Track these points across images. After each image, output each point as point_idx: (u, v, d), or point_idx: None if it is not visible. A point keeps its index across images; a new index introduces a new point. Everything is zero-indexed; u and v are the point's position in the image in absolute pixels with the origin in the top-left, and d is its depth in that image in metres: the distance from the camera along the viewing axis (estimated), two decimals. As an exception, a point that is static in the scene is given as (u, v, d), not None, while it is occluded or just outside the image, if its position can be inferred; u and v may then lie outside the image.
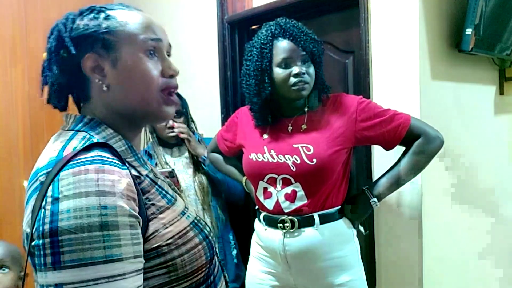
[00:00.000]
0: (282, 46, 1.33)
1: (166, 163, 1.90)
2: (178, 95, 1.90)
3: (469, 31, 1.51)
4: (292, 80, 1.32)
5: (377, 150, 1.58)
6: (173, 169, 1.80)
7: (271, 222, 1.39)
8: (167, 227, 0.73)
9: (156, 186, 0.76)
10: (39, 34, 2.43)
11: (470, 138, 1.73)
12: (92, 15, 0.75)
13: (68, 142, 0.71)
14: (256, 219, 1.50)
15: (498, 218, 1.88)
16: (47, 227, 0.62)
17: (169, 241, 0.72)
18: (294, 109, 1.41)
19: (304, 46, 1.32)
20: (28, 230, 0.65)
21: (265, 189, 1.39)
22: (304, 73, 1.32)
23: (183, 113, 1.92)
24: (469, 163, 1.72)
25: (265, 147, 1.39)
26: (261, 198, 1.41)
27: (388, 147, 1.36)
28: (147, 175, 0.76)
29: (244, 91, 1.45)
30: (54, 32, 0.75)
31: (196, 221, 0.80)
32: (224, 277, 0.88)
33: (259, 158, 1.39)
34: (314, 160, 1.30)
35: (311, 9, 1.86)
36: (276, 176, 1.36)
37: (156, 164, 1.89)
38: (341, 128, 1.33)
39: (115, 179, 0.66)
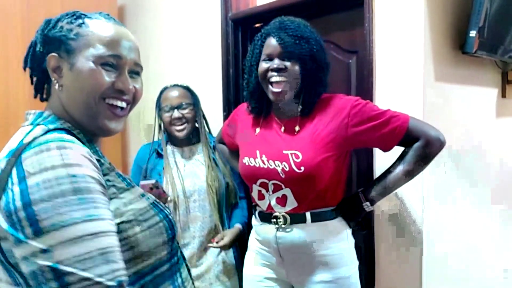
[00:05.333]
0: (269, 42, 1.35)
1: (176, 164, 1.85)
2: (186, 87, 1.89)
3: (473, 33, 1.51)
4: (269, 74, 1.33)
5: (378, 150, 1.59)
6: (156, 180, 1.68)
7: (265, 218, 1.42)
8: (127, 206, 0.76)
9: (115, 171, 0.80)
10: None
11: (472, 140, 1.73)
12: (70, 19, 0.81)
13: (27, 134, 0.74)
14: (253, 215, 1.53)
15: (499, 221, 1.89)
16: (19, 203, 0.63)
17: (130, 217, 0.75)
18: (288, 110, 1.41)
19: (286, 44, 1.30)
20: None
21: (259, 191, 1.42)
22: (282, 69, 1.31)
23: (192, 104, 1.85)
24: (470, 165, 1.72)
25: (257, 152, 1.40)
26: (256, 199, 1.45)
27: (385, 149, 1.34)
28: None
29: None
30: (40, 28, 0.83)
31: (156, 202, 0.84)
32: (186, 265, 0.91)
33: (251, 163, 1.41)
34: (302, 168, 1.30)
35: (315, 8, 1.86)
36: (267, 181, 1.38)
37: (166, 164, 1.83)
38: (331, 134, 1.31)
39: (77, 155, 0.68)
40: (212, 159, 1.85)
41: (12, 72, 2.34)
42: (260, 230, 1.46)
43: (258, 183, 1.40)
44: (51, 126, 0.76)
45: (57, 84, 0.80)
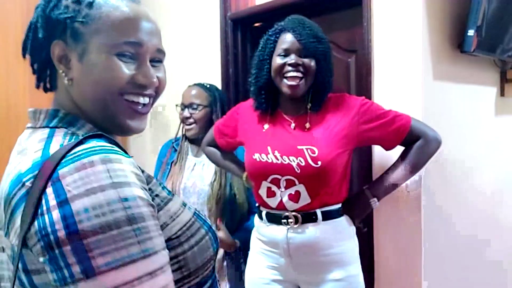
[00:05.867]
0: (284, 38, 1.36)
1: (184, 161, 1.83)
2: (206, 87, 1.84)
3: (471, 32, 1.51)
4: (286, 69, 1.34)
5: (377, 150, 1.59)
6: (157, 179, 1.68)
7: (274, 219, 1.40)
8: (174, 219, 0.67)
9: (155, 179, 0.71)
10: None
11: (470, 138, 1.74)
12: None
13: (50, 140, 0.63)
14: (257, 216, 1.50)
15: (498, 219, 1.89)
16: (62, 233, 0.53)
17: (178, 233, 0.66)
18: (296, 107, 1.42)
19: (304, 40, 1.34)
20: (16, 241, 0.57)
21: (269, 188, 1.40)
22: (299, 65, 1.33)
23: (206, 105, 1.81)
24: (469, 164, 1.73)
25: (269, 148, 1.39)
26: (264, 197, 1.42)
27: (388, 147, 1.40)
28: None
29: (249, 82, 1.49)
30: (39, 6, 0.69)
31: (197, 212, 0.76)
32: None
33: (263, 159, 1.39)
34: (319, 162, 1.31)
35: (314, 8, 1.86)
36: (280, 177, 1.37)
37: (176, 159, 1.84)
38: (344, 130, 1.35)
39: (125, 168, 0.58)
40: None
41: (12, 72, 2.35)
42: (267, 232, 1.43)
43: (269, 179, 1.38)
44: (74, 130, 0.66)
45: (66, 78, 0.67)
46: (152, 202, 0.61)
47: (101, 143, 0.61)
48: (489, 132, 1.84)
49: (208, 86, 1.88)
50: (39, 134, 0.65)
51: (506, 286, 1.96)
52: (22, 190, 0.58)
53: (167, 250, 0.61)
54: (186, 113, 1.81)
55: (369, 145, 1.47)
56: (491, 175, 1.85)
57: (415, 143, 1.35)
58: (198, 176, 1.82)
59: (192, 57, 2.40)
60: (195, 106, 1.81)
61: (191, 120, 1.81)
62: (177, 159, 1.85)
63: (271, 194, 1.40)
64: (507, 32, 1.69)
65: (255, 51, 1.47)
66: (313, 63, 1.35)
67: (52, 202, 0.54)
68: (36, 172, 0.57)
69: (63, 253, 0.53)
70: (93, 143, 0.60)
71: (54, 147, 0.60)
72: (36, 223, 0.54)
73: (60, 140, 0.62)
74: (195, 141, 1.90)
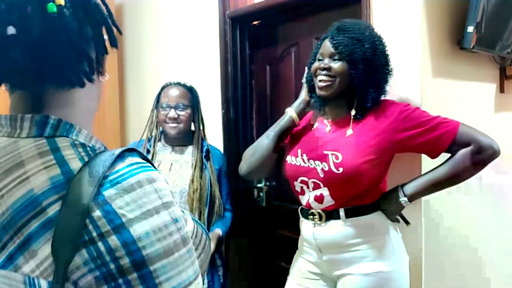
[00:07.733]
0: (323, 44, 1.39)
1: (161, 162, 1.81)
2: (188, 87, 1.84)
3: (470, 28, 1.51)
4: (317, 72, 1.38)
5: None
6: None
7: (305, 214, 1.46)
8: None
9: None
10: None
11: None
12: None
13: (59, 154, 0.54)
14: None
15: (499, 215, 1.89)
16: (125, 261, 0.50)
17: None
18: (336, 111, 1.42)
19: (337, 45, 1.33)
20: (43, 273, 0.50)
21: (301, 187, 1.45)
22: (326, 69, 1.34)
23: (190, 106, 1.82)
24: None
25: (299, 151, 1.44)
26: (298, 194, 1.48)
27: (432, 156, 1.34)
28: None
29: None
30: None
31: (191, 214, 0.75)
32: None
33: (293, 162, 1.45)
34: (340, 169, 1.31)
35: (313, 6, 1.86)
36: (307, 179, 1.41)
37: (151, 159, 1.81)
38: (377, 137, 1.32)
39: (165, 186, 0.57)
40: (202, 162, 1.82)
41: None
42: (302, 227, 1.49)
43: (298, 180, 1.44)
44: (79, 138, 0.58)
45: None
46: None
47: (136, 158, 0.57)
48: (489, 129, 1.83)
49: (189, 86, 1.87)
50: (32, 146, 0.55)
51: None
52: (42, 215, 0.50)
53: None
54: (173, 113, 1.78)
55: (411, 152, 1.41)
56: (490, 172, 1.85)
57: (464, 148, 1.29)
58: (178, 175, 1.80)
59: (191, 55, 2.39)
60: (182, 107, 1.79)
61: (178, 120, 1.79)
62: (152, 159, 1.80)
63: (302, 192, 1.45)
64: (507, 29, 1.68)
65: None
66: (344, 66, 1.33)
67: (105, 227, 0.50)
68: (63, 193, 0.51)
69: (128, 282, 0.50)
70: (129, 160, 0.55)
71: (73, 162, 0.54)
72: (85, 251, 0.49)
73: (72, 152, 0.55)
74: (171, 141, 1.87)
